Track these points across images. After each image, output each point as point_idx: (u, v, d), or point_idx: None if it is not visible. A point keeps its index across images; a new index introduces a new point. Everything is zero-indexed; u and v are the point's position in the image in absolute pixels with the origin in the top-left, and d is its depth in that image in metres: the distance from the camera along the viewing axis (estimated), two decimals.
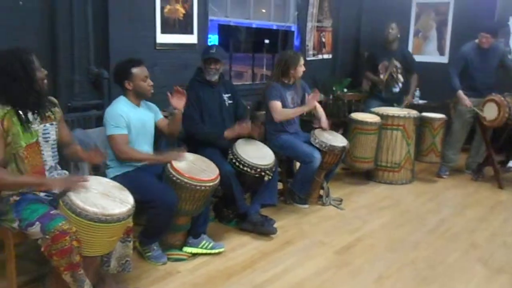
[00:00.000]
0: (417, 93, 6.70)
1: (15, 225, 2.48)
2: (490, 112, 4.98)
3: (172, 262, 3.19)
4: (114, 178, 3.09)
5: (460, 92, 5.14)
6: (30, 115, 2.57)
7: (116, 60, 4.00)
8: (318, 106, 4.45)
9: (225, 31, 5.47)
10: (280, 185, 4.44)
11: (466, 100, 5.09)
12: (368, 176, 5.21)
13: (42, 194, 2.58)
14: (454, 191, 5.01)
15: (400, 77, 5.63)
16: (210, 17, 5.26)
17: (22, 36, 3.64)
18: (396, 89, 5.64)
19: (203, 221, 3.36)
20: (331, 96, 6.56)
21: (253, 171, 3.56)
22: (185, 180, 3.04)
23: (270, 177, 3.68)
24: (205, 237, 3.34)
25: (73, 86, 3.97)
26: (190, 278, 3.02)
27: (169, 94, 3.32)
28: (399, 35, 5.60)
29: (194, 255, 3.28)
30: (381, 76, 5.59)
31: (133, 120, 3.14)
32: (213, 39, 5.36)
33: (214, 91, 3.80)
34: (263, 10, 6.14)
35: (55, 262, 2.40)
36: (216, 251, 3.33)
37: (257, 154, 3.67)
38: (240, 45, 5.70)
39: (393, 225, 4.00)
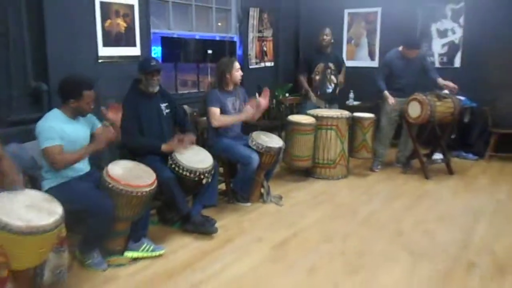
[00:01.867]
0: (351, 95, 6.73)
1: None
2: (414, 110, 4.99)
3: (113, 268, 2.99)
4: (50, 189, 2.89)
5: (386, 92, 5.18)
6: None
7: (56, 73, 3.81)
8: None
9: (168, 42, 5.28)
10: (223, 186, 4.33)
11: (391, 99, 5.13)
12: (307, 173, 5.13)
13: None
14: (385, 183, 4.98)
15: (333, 78, 5.60)
16: (153, 30, 5.07)
17: None
18: (329, 89, 5.60)
19: (143, 224, 3.17)
20: (274, 101, 6.48)
21: (192, 175, 3.40)
22: (120, 187, 2.85)
23: (208, 180, 3.52)
24: (146, 240, 3.16)
25: (11, 100, 3.70)
26: (130, 283, 2.83)
27: (103, 108, 3.11)
28: (332, 40, 5.57)
29: (136, 259, 3.09)
30: (316, 77, 5.55)
31: (66, 132, 2.91)
32: (156, 50, 5.18)
33: (151, 101, 3.62)
34: (205, 23, 5.98)
35: None
36: (157, 253, 3.15)
37: (195, 158, 3.51)
38: (184, 56, 5.53)
39: (327, 219, 3.92)
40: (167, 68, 5.43)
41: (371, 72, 5.85)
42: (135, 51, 4.75)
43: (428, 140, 5.45)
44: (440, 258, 3.17)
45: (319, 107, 5.42)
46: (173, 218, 3.68)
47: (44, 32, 3.85)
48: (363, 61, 6.97)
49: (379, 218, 3.93)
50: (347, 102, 6.63)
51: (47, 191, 2.90)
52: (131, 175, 2.97)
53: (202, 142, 4.42)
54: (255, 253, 3.24)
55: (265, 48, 6.88)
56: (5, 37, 3.62)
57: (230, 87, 4.21)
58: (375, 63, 6.76)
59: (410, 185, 4.89)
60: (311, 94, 5.52)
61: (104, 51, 4.44)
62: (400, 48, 5.20)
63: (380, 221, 3.87)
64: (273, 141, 4.20)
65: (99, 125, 3.21)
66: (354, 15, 6.97)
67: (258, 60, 6.73)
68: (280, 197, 4.36)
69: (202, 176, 3.43)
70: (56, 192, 2.86)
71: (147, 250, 3.12)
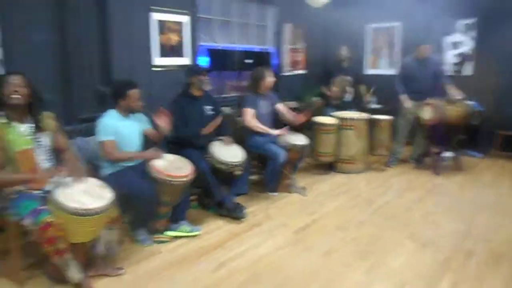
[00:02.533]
0: (374, 99, 6.47)
1: (14, 218, 2.31)
2: (426, 114, 4.73)
3: (157, 244, 2.99)
4: (106, 176, 2.93)
5: (403, 96, 4.92)
6: (24, 126, 2.41)
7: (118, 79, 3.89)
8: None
9: (214, 54, 5.26)
10: (256, 177, 4.26)
11: (407, 102, 4.87)
12: (330, 167, 4.97)
13: (35, 192, 2.40)
14: (399, 177, 4.75)
15: (350, 89, 5.42)
16: (201, 43, 5.06)
17: (41, 63, 3.49)
18: (346, 99, 5.43)
19: (182, 209, 3.15)
20: (303, 104, 6.34)
21: (225, 167, 3.36)
22: (162, 177, 2.84)
23: (240, 172, 3.46)
24: (184, 222, 3.14)
25: (84, 102, 3.79)
26: (169, 257, 2.82)
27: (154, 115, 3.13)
28: (349, 55, 5.40)
29: (175, 237, 3.08)
30: (334, 88, 5.38)
31: (120, 128, 2.94)
32: (203, 60, 5.16)
33: (196, 103, 3.59)
34: (245, 36, 5.91)
35: (45, 249, 2.24)
36: (194, 233, 3.12)
37: (228, 153, 3.46)
38: (228, 65, 5.50)
39: (344, 208, 3.77)
40: (213, 75, 5.42)
41: (390, 79, 5.57)
42: (185, 61, 4.76)
43: (439, 140, 5.14)
44: (443, 246, 2.98)
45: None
46: (210, 204, 3.64)
47: (109, 44, 3.92)
48: (383, 69, 6.68)
49: (392, 208, 3.73)
50: (368, 106, 6.38)
51: (104, 178, 2.94)
52: (172, 166, 2.96)
53: (239, 138, 4.37)
54: (278, 236, 3.15)
55: (298, 58, 6.74)
56: (79, 48, 3.71)
57: (264, 92, 4.12)
58: (394, 71, 6.44)
59: (421, 179, 4.63)
60: (332, 101, 5.38)
61: (159, 61, 4.48)
62: (414, 54, 4.94)
63: (392, 211, 3.68)
64: (298, 139, 4.08)
65: (148, 126, 3.21)
66: (376, 29, 6.69)
67: (291, 68, 6.61)
68: (304, 188, 4.24)
69: (233, 169, 3.38)
70: (110, 179, 2.90)
71: (185, 231, 3.11)
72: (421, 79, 4.89)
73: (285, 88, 6.10)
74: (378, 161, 5.32)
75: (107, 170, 2.97)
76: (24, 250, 2.57)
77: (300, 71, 6.81)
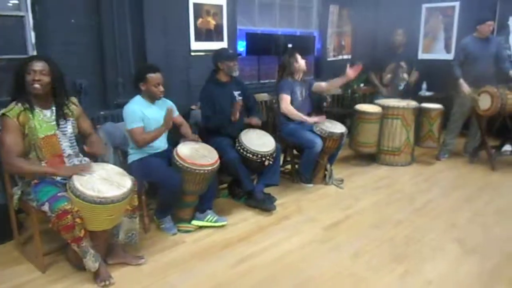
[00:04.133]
0: (424, 85, 5.98)
1: (34, 204, 2.32)
2: (484, 103, 4.25)
3: (182, 233, 2.93)
4: (132, 163, 2.91)
5: (461, 80, 4.44)
6: (47, 112, 2.39)
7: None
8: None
9: (252, 38, 5.07)
10: (290, 166, 4.08)
11: (466, 87, 4.39)
12: (372, 158, 4.66)
13: (58, 178, 2.38)
14: (448, 172, 4.34)
15: (405, 76, 4.99)
16: (239, 27, 4.89)
17: (75, 48, 3.51)
18: (400, 87, 5.00)
19: (208, 198, 3.04)
20: (349, 90, 5.98)
21: (255, 157, 3.20)
22: (186, 165, 2.75)
23: (270, 162, 3.29)
24: (210, 212, 3.04)
25: (117, 87, 3.79)
26: (192, 248, 2.74)
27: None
28: (405, 40, 4.94)
29: (201, 227, 3.00)
30: (388, 76, 4.99)
31: (146, 114, 2.87)
32: (241, 45, 4.99)
33: (225, 89, 3.44)
34: (288, 19, 5.64)
35: (63, 236, 2.24)
36: (219, 224, 3.02)
37: (259, 142, 3.30)
38: (267, 49, 5.28)
39: (383, 204, 3.49)
40: (250, 60, 5.24)
41: (446, 65, 5.09)
42: (223, 45, 4.61)
43: (498, 132, 4.65)
44: (492, 253, 2.64)
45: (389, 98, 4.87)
46: (240, 193, 3.53)
47: (144, 28, 3.87)
48: (438, 54, 6.13)
49: (435, 207, 3.40)
50: (419, 93, 5.91)
51: (130, 164, 2.91)
52: (197, 154, 2.85)
53: (273, 126, 4.20)
54: (306, 232, 2.96)
55: (343, 42, 6.37)
56: (112, 33, 3.69)
57: (298, 77, 3.89)
58: (450, 56, 5.86)
59: (474, 175, 4.20)
60: (382, 89, 5.00)
61: (196, 45, 4.38)
62: (475, 33, 4.43)
63: (435, 210, 3.35)
64: (336, 127, 3.82)
65: (176, 113, 3.11)
66: (431, 9, 6.13)
67: (336, 53, 6.26)
68: (342, 180, 3.99)
69: (263, 159, 3.22)
70: (136, 166, 2.88)
71: (211, 221, 3.01)
72: (481, 62, 4.38)
73: (329, 74, 5.76)
74: (426, 154, 4.92)
75: (132, 157, 2.93)
76: (47, 235, 2.61)
77: (346, 56, 6.44)
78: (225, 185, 3.68)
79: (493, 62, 4.41)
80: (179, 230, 2.95)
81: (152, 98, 2.92)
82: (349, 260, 2.58)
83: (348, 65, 3.83)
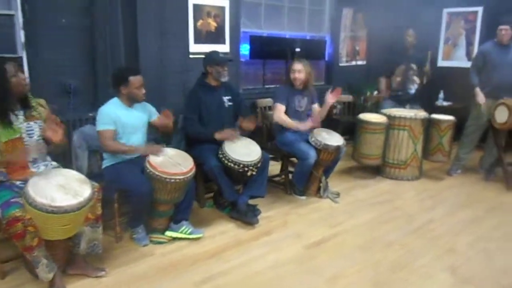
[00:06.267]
0: (441, 95, 5.62)
1: None
2: (501, 115, 3.91)
3: (153, 245, 2.79)
4: (105, 168, 2.80)
5: (477, 89, 4.11)
6: (13, 115, 2.30)
7: (146, 66, 3.73)
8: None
9: (256, 40, 4.89)
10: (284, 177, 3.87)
11: (481, 97, 4.05)
12: (377, 171, 4.38)
13: (18, 183, 2.29)
14: (457, 189, 4.01)
15: (416, 78, 4.68)
16: (243, 29, 4.73)
17: (65, 48, 3.45)
18: (411, 90, 4.70)
19: (184, 208, 2.88)
20: (361, 98, 5.70)
21: (236, 166, 3.02)
22: (157, 173, 2.61)
23: (253, 172, 3.10)
24: (186, 223, 2.89)
25: (107, 88, 3.69)
26: (159, 261, 2.59)
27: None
28: (415, 41, 4.64)
29: (174, 239, 2.85)
30: (397, 79, 4.70)
31: (122, 118, 2.75)
32: (245, 48, 4.83)
33: (214, 93, 3.30)
34: (298, 22, 5.44)
35: (15, 243, 2.13)
36: (194, 236, 2.86)
37: (244, 151, 3.11)
38: (272, 53, 5.08)
39: (377, 222, 3.22)
40: (255, 64, 5.07)
41: (466, 73, 4.76)
42: (225, 48, 4.47)
43: None
44: (489, 286, 2.34)
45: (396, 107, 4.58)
46: (224, 204, 3.36)
47: (136, 28, 3.76)
48: (459, 61, 5.74)
49: (435, 228, 3.11)
50: (436, 102, 5.56)
51: (104, 169, 2.81)
52: (169, 163, 2.71)
53: (268, 134, 4.01)
54: (285, 250, 2.76)
55: (357, 47, 6.09)
56: (103, 33, 3.61)
57: (300, 86, 3.66)
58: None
59: (485, 194, 3.86)
60: (385, 96, 4.73)
61: (195, 48, 4.24)
62: (496, 39, 4.08)
63: (434, 231, 3.06)
64: (333, 138, 3.59)
65: (156, 114, 3.00)
66: (453, 14, 5.76)
67: (349, 58, 5.99)
68: (338, 194, 3.75)
69: (246, 169, 3.03)
70: (108, 171, 2.77)
71: (185, 232, 2.86)
72: (501, 71, 4.03)
73: (341, 81, 5.50)
74: (437, 168, 4.59)
75: (106, 162, 2.82)
76: (7, 242, 2.51)
77: (360, 62, 6.16)
78: (211, 194, 3.52)
79: None
80: (151, 241, 2.81)
81: (131, 101, 2.81)
82: (324, 285, 2.36)
83: (329, 90, 3.57)
